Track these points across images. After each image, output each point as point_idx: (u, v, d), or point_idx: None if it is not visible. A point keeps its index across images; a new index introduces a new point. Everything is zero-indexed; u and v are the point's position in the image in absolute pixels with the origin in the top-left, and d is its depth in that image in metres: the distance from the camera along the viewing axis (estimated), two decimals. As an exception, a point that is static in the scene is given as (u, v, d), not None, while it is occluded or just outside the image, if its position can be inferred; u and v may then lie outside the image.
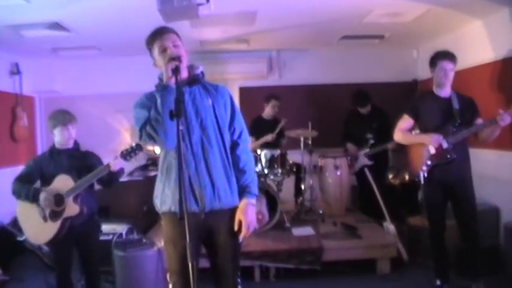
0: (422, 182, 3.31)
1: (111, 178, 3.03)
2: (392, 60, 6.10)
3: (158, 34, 2.07)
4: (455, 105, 3.22)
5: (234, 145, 2.19)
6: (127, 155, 2.93)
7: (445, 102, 3.26)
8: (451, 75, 3.22)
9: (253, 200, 2.15)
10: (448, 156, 3.18)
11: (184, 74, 2.04)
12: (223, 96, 2.18)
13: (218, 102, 2.14)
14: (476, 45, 4.34)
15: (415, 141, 3.39)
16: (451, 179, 3.22)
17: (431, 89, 3.35)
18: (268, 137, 5.05)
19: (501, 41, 4.10)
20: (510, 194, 3.75)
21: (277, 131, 5.08)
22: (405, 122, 3.42)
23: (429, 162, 3.26)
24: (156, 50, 2.06)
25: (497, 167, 3.27)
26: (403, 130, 3.44)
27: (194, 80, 2.12)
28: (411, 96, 6.03)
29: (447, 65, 3.20)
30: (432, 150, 3.23)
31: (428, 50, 5.76)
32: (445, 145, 3.18)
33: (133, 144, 2.94)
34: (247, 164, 2.19)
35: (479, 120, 3.21)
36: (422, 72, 5.98)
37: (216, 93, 2.16)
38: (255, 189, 2.17)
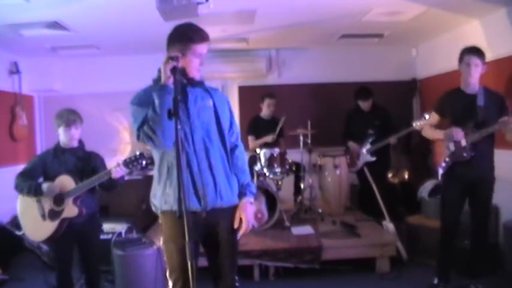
0: (440, 178, 3.30)
1: (111, 184, 2.98)
2: (392, 59, 6.09)
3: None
4: (480, 102, 3.11)
5: (233, 147, 2.28)
6: (130, 163, 2.83)
7: (470, 99, 3.16)
8: (476, 70, 3.11)
9: (252, 199, 2.24)
10: (464, 154, 3.13)
11: (197, 75, 2.12)
12: (223, 101, 2.26)
13: (219, 104, 2.20)
14: (474, 45, 4.36)
15: (434, 136, 3.41)
16: (470, 177, 3.19)
17: (459, 86, 3.27)
18: (269, 138, 5.05)
19: (498, 41, 4.12)
20: (509, 193, 3.75)
21: (277, 131, 5.07)
22: (432, 117, 3.41)
23: (447, 159, 3.25)
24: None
25: (497, 166, 3.27)
26: (429, 125, 3.43)
27: (198, 82, 2.16)
28: (409, 95, 6.16)
29: (471, 59, 3.10)
30: (452, 148, 3.20)
31: (427, 49, 5.80)
32: (463, 143, 3.13)
33: (137, 153, 2.83)
34: (245, 165, 2.30)
35: (505, 119, 3.03)
36: (421, 71, 6.00)
37: (216, 96, 2.23)
38: (253, 188, 2.27)
